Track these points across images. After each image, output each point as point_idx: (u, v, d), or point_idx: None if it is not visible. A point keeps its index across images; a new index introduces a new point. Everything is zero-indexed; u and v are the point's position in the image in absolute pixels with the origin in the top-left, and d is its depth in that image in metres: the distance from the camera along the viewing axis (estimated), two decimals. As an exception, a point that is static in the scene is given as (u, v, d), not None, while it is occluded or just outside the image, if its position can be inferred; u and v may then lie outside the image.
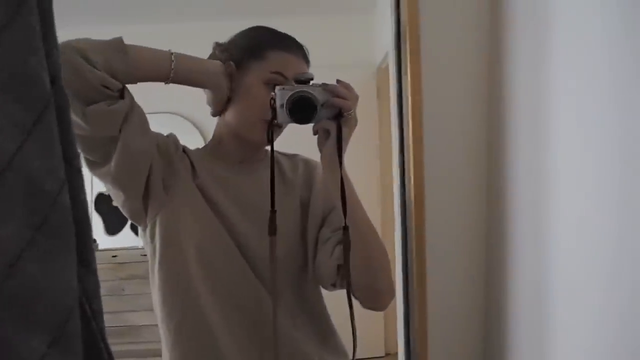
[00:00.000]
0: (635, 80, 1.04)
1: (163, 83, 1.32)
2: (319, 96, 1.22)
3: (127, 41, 1.26)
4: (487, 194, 1.87)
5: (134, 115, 1.25)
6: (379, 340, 4.37)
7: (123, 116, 1.22)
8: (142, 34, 1.68)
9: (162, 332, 1.34)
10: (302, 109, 1.21)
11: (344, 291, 1.27)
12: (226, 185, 1.35)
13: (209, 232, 1.30)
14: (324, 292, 1.42)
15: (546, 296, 1.46)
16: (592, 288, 1.22)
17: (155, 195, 1.29)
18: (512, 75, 1.66)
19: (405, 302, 1.99)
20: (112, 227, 4.42)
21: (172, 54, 1.29)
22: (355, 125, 1.26)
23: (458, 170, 1.89)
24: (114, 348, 0.61)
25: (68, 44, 1.16)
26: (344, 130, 1.23)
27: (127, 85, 1.25)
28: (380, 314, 3.92)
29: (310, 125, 1.25)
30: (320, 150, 1.27)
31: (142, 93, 1.39)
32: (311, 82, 1.25)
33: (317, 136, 1.27)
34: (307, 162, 1.47)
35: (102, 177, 1.27)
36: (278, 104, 1.23)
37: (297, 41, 1.38)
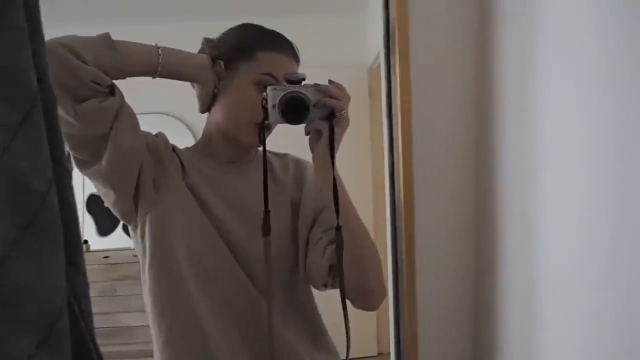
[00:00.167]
0: (624, 81, 1.05)
1: (152, 81, 1.32)
2: (311, 96, 1.22)
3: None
4: (476, 193, 1.88)
5: (124, 112, 1.25)
6: (372, 339, 4.38)
7: (114, 113, 1.22)
8: (134, 35, 1.67)
9: (153, 332, 1.34)
10: (295, 110, 1.21)
11: (336, 291, 1.27)
12: (216, 185, 1.35)
13: (198, 231, 1.30)
14: (315, 292, 1.42)
15: (535, 295, 1.46)
16: (582, 287, 1.23)
17: (145, 194, 1.28)
18: (500, 75, 1.67)
19: (396, 301, 1.99)
20: (104, 228, 4.40)
21: (158, 47, 1.29)
22: (347, 125, 1.26)
23: (447, 170, 1.89)
24: (106, 349, 0.61)
25: (55, 41, 1.16)
26: (336, 130, 1.23)
27: (115, 83, 1.25)
28: (373, 313, 3.92)
29: (302, 125, 1.25)
30: (312, 151, 1.27)
31: (134, 93, 1.39)
32: (303, 83, 1.25)
33: (309, 136, 1.27)
34: (298, 162, 1.47)
35: (92, 176, 1.27)
36: (270, 104, 1.22)
37: (286, 40, 1.37)
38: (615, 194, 1.09)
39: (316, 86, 1.23)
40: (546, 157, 1.39)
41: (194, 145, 1.44)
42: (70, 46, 1.17)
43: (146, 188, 1.28)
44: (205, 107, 1.38)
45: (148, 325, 1.36)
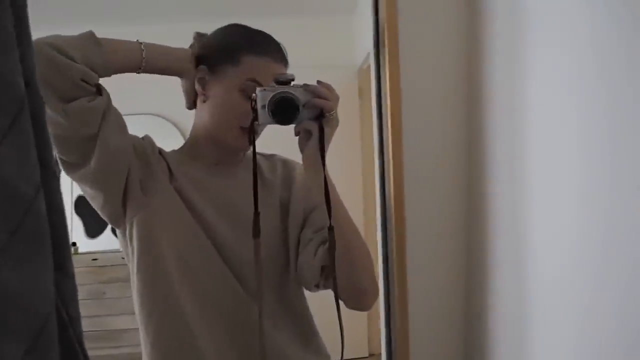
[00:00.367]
0: (616, 78, 1.05)
1: (141, 82, 1.32)
2: (301, 97, 1.21)
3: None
4: (467, 193, 1.88)
5: (111, 113, 1.25)
6: (363, 340, 4.38)
7: (102, 113, 1.22)
8: (122, 36, 1.66)
9: (142, 334, 1.33)
10: (284, 110, 1.20)
11: (327, 291, 1.27)
12: (203, 187, 1.34)
13: (186, 234, 1.30)
14: (306, 292, 1.42)
15: (526, 295, 1.47)
16: (573, 287, 1.23)
17: (133, 196, 1.28)
18: (491, 75, 1.67)
19: (387, 302, 1.99)
20: (93, 230, 4.37)
21: (141, 43, 1.30)
22: (337, 125, 1.26)
23: (438, 170, 1.89)
24: (94, 353, 0.60)
25: (41, 41, 1.16)
26: (326, 130, 1.22)
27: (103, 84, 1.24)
28: (364, 314, 3.92)
29: (291, 126, 1.25)
30: (302, 151, 1.26)
31: (122, 94, 1.38)
32: (292, 83, 1.24)
33: (298, 137, 1.27)
34: (286, 162, 1.46)
35: (80, 179, 1.26)
36: (259, 105, 1.22)
37: (274, 42, 1.36)
38: (606, 193, 1.09)
39: (305, 87, 1.23)
40: (536, 157, 1.39)
41: (181, 148, 1.43)
42: (57, 45, 1.17)
43: (134, 190, 1.27)
44: (191, 102, 1.38)
45: (137, 329, 1.35)
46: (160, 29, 3.92)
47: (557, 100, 1.27)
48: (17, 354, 0.47)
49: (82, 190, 1.29)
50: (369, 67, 3.67)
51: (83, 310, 0.58)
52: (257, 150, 1.36)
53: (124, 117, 1.29)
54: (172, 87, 1.45)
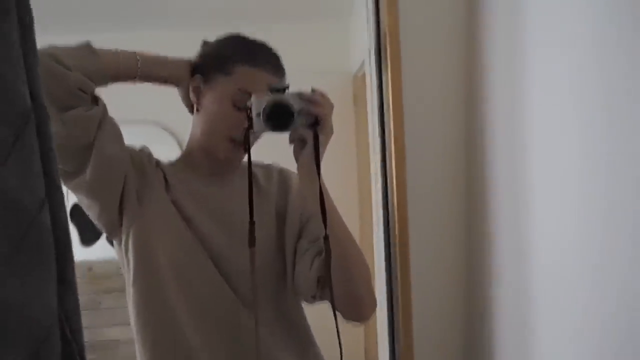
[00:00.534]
0: (615, 77, 1.04)
1: (138, 90, 1.34)
2: (295, 104, 1.20)
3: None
4: (468, 195, 1.88)
5: (107, 122, 1.25)
6: (359, 350, 4.35)
7: (98, 122, 1.22)
8: (120, 42, 1.67)
9: (137, 345, 1.32)
10: (279, 116, 1.19)
11: (324, 303, 1.27)
12: (199, 198, 1.34)
13: (182, 245, 1.29)
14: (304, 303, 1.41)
15: (529, 304, 1.46)
16: (576, 287, 1.22)
17: (129, 206, 1.27)
18: (491, 79, 1.67)
19: (390, 312, 1.98)
20: (88, 238, 4.33)
21: (135, 53, 1.31)
22: (332, 133, 1.25)
23: (439, 174, 1.88)
24: (91, 364, 0.60)
25: (39, 51, 1.15)
26: (321, 138, 1.21)
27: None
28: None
29: (286, 136, 1.24)
30: (297, 160, 1.25)
31: (120, 102, 1.39)
32: (286, 91, 1.24)
33: (292, 146, 1.26)
34: (282, 171, 1.45)
35: (76, 188, 1.25)
36: (254, 112, 1.21)
37: (270, 53, 1.36)
38: (607, 192, 1.08)
39: (299, 94, 1.22)
40: (537, 159, 1.39)
41: (178, 159, 1.43)
42: (55, 55, 1.18)
43: (130, 200, 1.27)
44: (190, 109, 1.38)
45: (133, 339, 1.34)
46: (158, 36, 3.95)
47: (557, 101, 1.26)
48: (19, 365, 0.46)
49: (79, 199, 1.29)
50: (364, 74, 3.68)
51: (79, 321, 0.57)
52: (253, 159, 1.35)
53: (121, 125, 1.29)
54: (169, 96, 1.45)
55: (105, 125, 1.23)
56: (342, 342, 1.23)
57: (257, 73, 1.29)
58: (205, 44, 1.39)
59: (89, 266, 4.12)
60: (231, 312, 1.30)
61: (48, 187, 0.47)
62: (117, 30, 3.85)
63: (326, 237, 1.20)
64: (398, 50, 1.77)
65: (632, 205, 1.00)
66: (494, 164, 1.67)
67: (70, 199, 1.28)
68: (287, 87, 1.24)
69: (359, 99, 4.19)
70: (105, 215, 1.28)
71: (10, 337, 0.48)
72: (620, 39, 1.03)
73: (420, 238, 1.86)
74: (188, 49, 1.40)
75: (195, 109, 1.36)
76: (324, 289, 1.28)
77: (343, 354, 1.21)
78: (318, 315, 1.45)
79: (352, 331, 1.57)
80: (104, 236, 1.34)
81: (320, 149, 1.22)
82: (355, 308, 1.32)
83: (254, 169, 1.41)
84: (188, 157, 1.39)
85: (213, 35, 1.41)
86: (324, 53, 4.34)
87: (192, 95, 1.35)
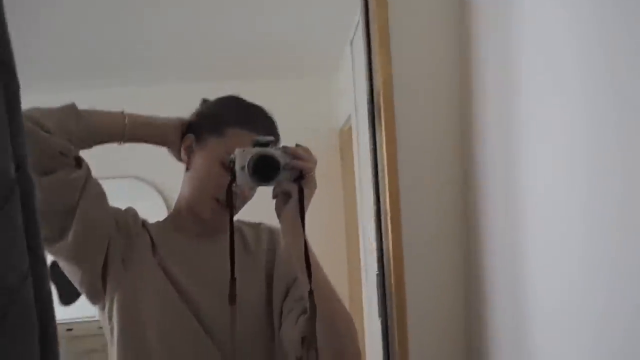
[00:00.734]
0: (606, 77, 1.03)
1: (122, 144, 1.31)
2: (280, 158, 1.20)
3: (87, 105, 1.27)
4: (465, 253, 1.86)
5: (91, 185, 1.23)
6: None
7: (81, 186, 1.20)
8: (105, 98, 1.67)
9: None
10: (265, 169, 1.18)
11: None
12: (187, 259, 1.32)
13: (169, 308, 1.26)
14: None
15: (526, 330, 1.43)
16: (572, 291, 1.19)
17: (113, 271, 1.25)
18: (485, 120, 1.66)
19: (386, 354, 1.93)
20: (67, 297, 4.20)
21: (125, 115, 1.29)
22: (315, 188, 1.24)
23: (436, 219, 1.86)
24: None
25: None
26: (305, 192, 1.20)
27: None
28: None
29: (271, 190, 1.23)
30: (279, 215, 1.24)
31: (103, 157, 1.38)
32: (270, 145, 1.23)
33: (275, 200, 1.24)
34: (272, 230, 1.43)
35: (57, 253, 1.22)
36: (238, 166, 1.19)
37: (264, 116, 1.36)
38: (605, 192, 1.05)
39: (284, 148, 1.22)
40: (534, 199, 1.37)
41: (165, 219, 1.41)
42: (36, 118, 1.15)
43: (114, 265, 1.25)
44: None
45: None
46: (147, 91, 4.01)
47: (553, 98, 1.25)
48: None
49: (60, 264, 1.25)
50: (349, 128, 3.71)
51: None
52: (242, 218, 1.34)
53: (104, 180, 1.27)
54: (152, 150, 1.44)
55: (88, 189, 1.21)
56: None
57: (250, 136, 1.26)
58: (204, 102, 1.39)
59: (69, 326, 3.96)
60: None
61: (32, 261, 0.45)
62: (109, 86, 3.90)
63: (311, 292, 1.18)
64: (391, 104, 1.77)
65: (627, 206, 0.99)
66: (490, 211, 1.66)
67: (49, 256, 1.25)
68: (272, 142, 1.24)
69: (345, 154, 4.21)
70: (88, 281, 1.25)
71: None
72: (618, 31, 1.01)
73: (416, 290, 1.82)
74: (178, 104, 1.41)
75: (185, 167, 1.35)
76: (309, 349, 1.25)
77: None
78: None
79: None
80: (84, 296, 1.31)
81: (305, 204, 1.20)
82: None
83: (243, 228, 1.40)
84: (176, 217, 1.38)
85: (203, 89, 1.42)
86: (310, 108, 4.38)
87: (183, 154, 1.34)
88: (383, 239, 1.86)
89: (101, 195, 1.25)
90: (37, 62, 3.43)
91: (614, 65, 1.02)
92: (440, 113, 1.84)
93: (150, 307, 1.25)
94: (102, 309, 1.29)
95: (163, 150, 1.40)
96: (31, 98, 0.90)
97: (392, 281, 1.79)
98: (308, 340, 1.23)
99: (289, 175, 1.20)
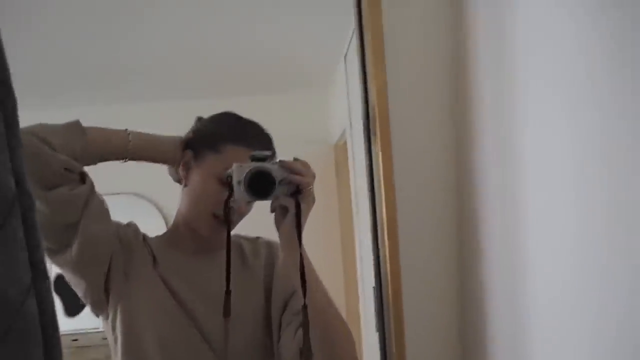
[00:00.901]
0: (606, 78, 1.02)
1: (121, 162, 1.32)
2: (277, 173, 1.20)
3: (86, 123, 1.27)
4: (461, 258, 1.86)
5: (94, 200, 1.24)
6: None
7: (84, 201, 1.21)
8: (101, 115, 1.68)
9: None
10: (260, 184, 1.18)
11: None
12: (186, 273, 1.33)
13: (170, 321, 1.27)
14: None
15: (523, 334, 1.43)
16: (570, 290, 1.19)
17: (116, 285, 1.26)
18: (482, 130, 1.67)
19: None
20: (72, 309, 4.23)
21: (128, 133, 1.30)
22: (313, 202, 1.24)
23: (433, 246, 1.86)
24: None
25: (24, 130, 1.15)
26: (303, 206, 1.20)
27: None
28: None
29: (268, 205, 1.23)
30: (278, 229, 1.23)
31: (103, 173, 1.38)
32: (267, 160, 1.23)
33: (274, 215, 1.24)
34: (270, 245, 1.43)
35: (61, 265, 1.24)
36: (235, 180, 1.19)
37: (261, 133, 1.36)
38: (600, 188, 1.06)
39: (281, 163, 1.21)
40: (533, 216, 1.37)
41: (164, 234, 1.42)
42: (41, 134, 1.17)
43: (117, 277, 1.26)
44: (179, 182, 1.38)
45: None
46: (144, 107, 4.03)
47: (549, 96, 1.25)
48: None
49: (65, 276, 1.27)
50: (345, 142, 3.73)
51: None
52: (240, 233, 1.35)
53: (103, 196, 1.28)
54: (151, 167, 1.45)
55: (91, 204, 1.22)
56: None
57: (247, 153, 1.25)
58: (199, 120, 1.40)
59: (74, 337, 4.04)
60: None
61: (34, 275, 0.46)
62: (103, 104, 3.91)
63: (305, 307, 1.18)
64: (386, 115, 1.77)
65: (628, 206, 0.99)
66: (488, 225, 1.66)
67: (54, 268, 1.26)
68: (269, 157, 1.24)
69: (340, 168, 4.22)
70: (92, 293, 1.26)
71: None
72: (614, 33, 1.01)
73: (413, 303, 1.82)
74: (173, 120, 1.41)
75: (183, 184, 1.35)
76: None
77: None
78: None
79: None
80: (88, 307, 1.32)
81: (302, 218, 1.20)
82: None
83: (242, 243, 1.41)
84: (174, 233, 1.38)
85: (198, 106, 1.42)
86: (305, 123, 4.40)
87: (181, 170, 1.34)
88: (380, 251, 1.86)
89: (104, 210, 1.26)
90: (28, 78, 3.44)
91: (614, 68, 1.01)
92: (436, 123, 1.85)
93: (151, 318, 1.26)
94: (106, 319, 1.30)
95: (162, 167, 1.41)
96: (23, 114, 0.91)
97: (390, 293, 1.79)
98: (305, 352, 1.24)
99: (286, 190, 1.20)
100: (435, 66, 1.84)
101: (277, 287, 1.36)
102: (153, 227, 1.43)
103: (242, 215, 1.34)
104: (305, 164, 1.23)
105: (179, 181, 1.38)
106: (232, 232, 1.29)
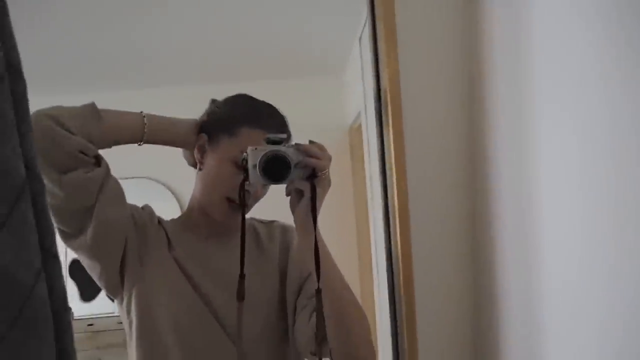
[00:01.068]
0: (620, 80, 1.02)
1: (137, 145, 1.32)
2: (293, 156, 1.19)
3: (101, 106, 1.27)
4: (474, 250, 1.86)
5: (110, 184, 1.24)
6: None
7: (99, 185, 1.21)
8: (117, 100, 1.68)
9: None
10: (276, 168, 1.18)
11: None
12: (201, 257, 1.33)
13: (185, 305, 1.28)
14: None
15: (539, 331, 1.43)
16: (585, 288, 1.19)
17: (131, 267, 1.26)
18: (495, 116, 1.66)
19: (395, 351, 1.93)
20: (88, 294, 4.29)
21: (144, 115, 1.29)
22: (329, 186, 1.23)
23: (445, 228, 1.86)
24: None
25: (40, 112, 1.16)
26: (318, 190, 1.19)
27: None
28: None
29: (284, 188, 1.22)
30: (293, 212, 1.23)
31: (118, 157, 1.38)
32: (283, 143, 1.22)
33: (290, 198, 1.23)
34: (285, 228, 1.43)
35: (77, 249, 1.24)
36: (250, 164, 1.19)
37: (276, 115, 1.35)
38: (615, 189, 1.06)
39: (297, 146, 1.20)
40: (546, 173, 1.37)
41: (179, 217, 1.42)
42: (56, 117, 1.17)
43: (132, 262, 1.26)
44: (193, 166, 1.37)
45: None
46: (159, 92, 4.03)
47: (565, 96, 1.24)
48: None
49: (80, 259, 1.27)
50: (359, 126, 3.71)
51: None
52: (255, 216, 1.34)
53: (118, 180, 1.28)
54: (165, 150, 1.44)
55: (106, 187, 1.22)
56: None
57: (262, 135, 1.24)
58: (213, 102, 1.38)
59: (89, 322, 4.08)
60: None
61: (45, 258, 0.47)
62: (118, 89, 3.92)
63: (318, 291, 1.17)
64: (399, 101, 1.76)
65: (638, 209, 0.98)
66: (500, 214, 1.65)
67: (70, 254, 1.27)
68: (284, 139, 1.23)
69: (355, 151, 4.21)
70: (107, 277, 1.27)
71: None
72: (635, 30, 1.00)
73: (425, 290, 1.83)
74: (188, 105, 1.41)
75: (198, 167, 1.35)
76: (321, 345, 1.26)
77: None
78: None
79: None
80: (104, 291, 1.33)
81: (318, 202, 1.19)
82: None
83: (257, 226, 1.41)
84: (189, 217, 1.38)
85: (212, 91, 1.42)
86: (320, 107, 4.39)
87: (196, 154, 1.33)
88: (391, 238, 1.86)
89: (119, 193, 1.26)
90: (40, 65, 3.46)
91: (627, 69, 1.00)
92: (448, 109, 1.84)
93: (166, 301, 1.27)
94: (121, 302, 1.30)
95: (176, 151, 1.41)
96: (34, 100, 0.92)
97: (401, 280, 1.79)
98: (319, 336, 1.24)
99: (302, 173, 1.20)
100: (449, 52, 1.82)
101: (292, 270, 1.36)
102: (167, 211, 1.43)
103: (257, 199, 1.33)
104: (321, 147, 1.22)
105: (193, 165, 1.37)
106: (247, 216, 1.28)
